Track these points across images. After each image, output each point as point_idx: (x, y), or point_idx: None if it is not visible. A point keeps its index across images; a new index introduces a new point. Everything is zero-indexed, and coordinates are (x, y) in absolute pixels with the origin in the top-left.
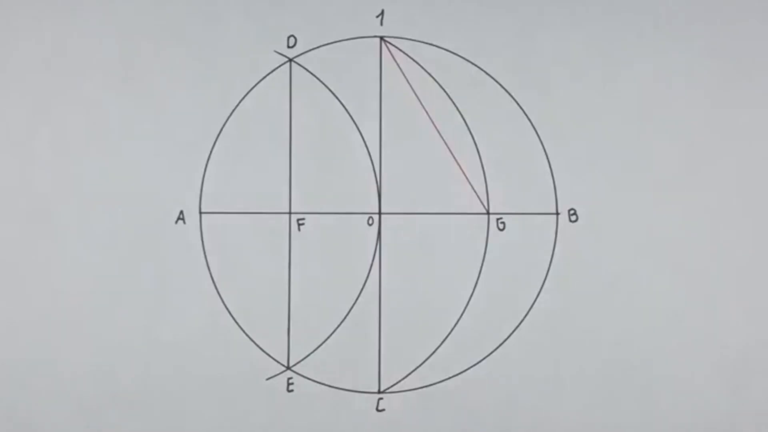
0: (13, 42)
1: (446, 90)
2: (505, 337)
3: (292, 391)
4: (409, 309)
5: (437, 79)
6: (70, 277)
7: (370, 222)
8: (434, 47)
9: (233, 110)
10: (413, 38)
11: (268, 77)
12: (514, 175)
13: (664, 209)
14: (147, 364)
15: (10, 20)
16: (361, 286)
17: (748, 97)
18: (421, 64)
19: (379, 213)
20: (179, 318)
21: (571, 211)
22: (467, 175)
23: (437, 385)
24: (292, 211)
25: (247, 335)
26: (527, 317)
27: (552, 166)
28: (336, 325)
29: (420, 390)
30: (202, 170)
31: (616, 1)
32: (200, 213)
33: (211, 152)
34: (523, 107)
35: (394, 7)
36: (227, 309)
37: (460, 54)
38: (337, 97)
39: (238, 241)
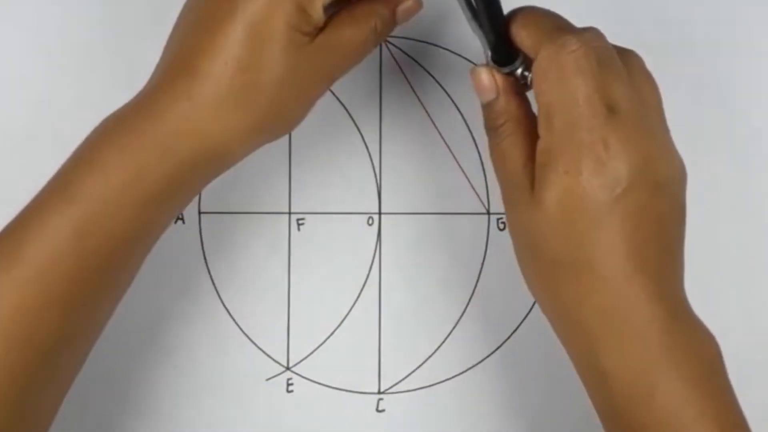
0: (13, 41)
1: (446, 90)
2: (506, 337)
3: (292, 391)
4: (409, 309)
5: (437, 79)
6: None
7: (370, 222)
8: (434, 47)
9: None
10: (413, 38)
11: None
12: None
13: None
14: (146, 365)
15: (11, 18)
16: (361, 286)
17: (749, 97)
18: (421, 64)
19: (379, 213)
20: (178, 318)
21: None
22: (467, 175)
23: (437, 385)
24: (292, 211)
25: (246, 335)
26: (527, 317)
27: None
28: (336, 325)
29: (420, 390)
30: None
31: (615, 1)
32: (200, 213)
33: None
34: None
35: None
36: (227, 309)
37: (460, 54)
38: (337, 97)
39: (238, 241)
